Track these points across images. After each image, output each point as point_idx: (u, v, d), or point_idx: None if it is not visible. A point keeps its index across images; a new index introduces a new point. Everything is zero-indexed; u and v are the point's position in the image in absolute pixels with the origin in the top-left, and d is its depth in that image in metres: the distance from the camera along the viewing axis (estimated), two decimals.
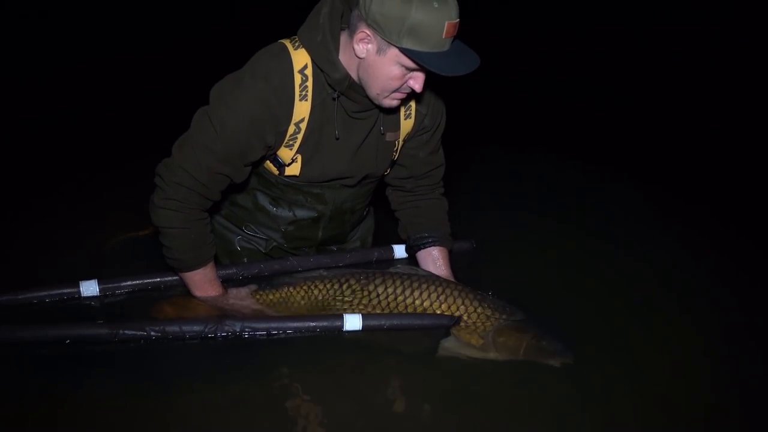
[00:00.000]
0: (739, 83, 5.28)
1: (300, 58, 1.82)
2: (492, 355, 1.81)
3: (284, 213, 2.09)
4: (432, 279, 2.00)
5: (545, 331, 1.86)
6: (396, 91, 1.78)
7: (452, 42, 1.70)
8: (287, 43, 1.85)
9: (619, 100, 5.00)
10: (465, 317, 1.89)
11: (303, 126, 1.87)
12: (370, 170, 2.04)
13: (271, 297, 2.01)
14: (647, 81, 5.60)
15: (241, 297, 2.01)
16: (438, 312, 1.92)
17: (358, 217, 2.25)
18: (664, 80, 5.53)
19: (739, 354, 1.93)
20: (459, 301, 1.92)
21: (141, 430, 1.59)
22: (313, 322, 1.87)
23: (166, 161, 1.86)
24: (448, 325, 1.88)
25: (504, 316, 1.89)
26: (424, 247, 2.16)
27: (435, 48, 1.65)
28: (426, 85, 1.85)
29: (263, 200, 2.08)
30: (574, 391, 1.72)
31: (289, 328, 1.87)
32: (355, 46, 1.74)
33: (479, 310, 1.90)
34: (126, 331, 1.83)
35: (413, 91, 1.79)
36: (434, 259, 2.15)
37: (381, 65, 1.73)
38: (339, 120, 1.89)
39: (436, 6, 1.61)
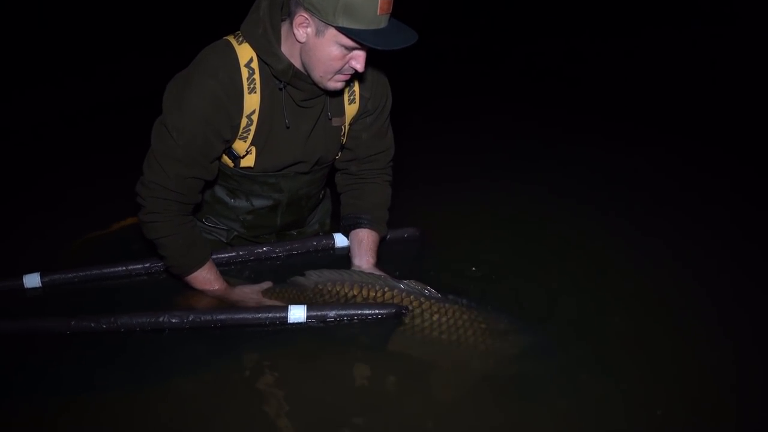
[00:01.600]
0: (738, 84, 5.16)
1: (244, 52, 1.85)
2: (445, 344, 1.83)
3: (242, 203, 2.12)
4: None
5: (499, 315, 1.90)
6: (339, 72, 1.81)
7: (388, 19, 1.73)
8: (231, 38, 1.88)
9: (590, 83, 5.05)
10: (415, 305, 1.90)
11: (255, 118, 1.89)
12: (321, 156, 2.07)
13: (286, 296, 2.00)
14: (615, 65, 5.62)
15: (245, 294, 2.02)
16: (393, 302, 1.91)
17: (314, 201, 2.28)
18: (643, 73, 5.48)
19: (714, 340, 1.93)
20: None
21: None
22: (256, 313, 1.88)
23: (140, 179, 1.92)
24: (396, 314, 1.89)
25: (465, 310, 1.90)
26: (354, 228, 2.16)
27: (371, 25, 1.69)
28: (369, 69, 1.90)
29: (220, 192, 2.11)
30: (533, 372, 1.76)
31: (233, 321, 1.87)
32: (295, 31, 1.77)
33: (428, 301, 1.91)
34: (78, 323, 1.84)
35: (356, 72, 1.82)
36: (359, 241, 2.13)
37: (321, 47, 1.76)
38: (288, 109, 1.92)
39: None
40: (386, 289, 1.93)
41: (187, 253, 1.97)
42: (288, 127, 1.94)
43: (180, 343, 1.85)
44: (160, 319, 1.86)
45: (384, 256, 2.16)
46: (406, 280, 1.95)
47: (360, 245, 2.12)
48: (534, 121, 3.99)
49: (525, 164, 3.28)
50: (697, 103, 4.45)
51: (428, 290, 1.94)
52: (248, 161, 1.98)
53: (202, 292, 2.02)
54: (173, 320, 1.86)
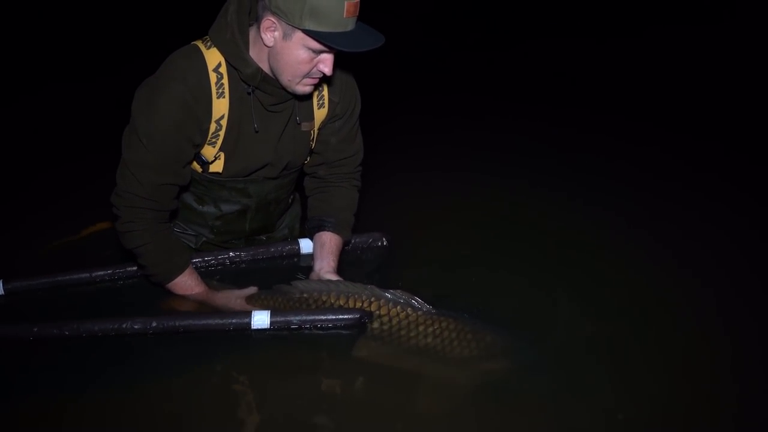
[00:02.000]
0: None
1: (213, 57, 1.85)
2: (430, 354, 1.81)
3: (210, 209, 2.12)
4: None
5: (485, 326, 1.88)
6: (307, 76, 1.83)
7: (355, 22, 1.74)
8: (199, 43, 1.88)
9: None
10: (382, 312, 1.89)
11: (224, 123, 1.90)
12: (290, 160, 2.07)
13: (271, 303, 1.98)
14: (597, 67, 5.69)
15: (229, 299, 2.02)
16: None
17: (284, 206, 2.29)
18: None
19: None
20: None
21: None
22: (219, 319, 1.88)
23: (114, 190, 1.92)
24: (360, 321, 1.89)
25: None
26: (317, 231, 2.14)
27: (337, 28, 1.71)
28: (338, 74, 1.92)
29: (188, 198, 2.10)
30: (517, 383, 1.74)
31: (196, 326, 1.87)
32: (263, 36, 1.78)
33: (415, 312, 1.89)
34: (41, 330, 1.84)
35: (324, 76, 1.83)
36: (322, 244, 2.12)
37: (288, 50, 1.77)
38: (256, 114, 1.93)
39: None
40: (372, 299, 1.92)
41: (166, 260, 1.97)
42: (257, 132, 1.95)
43: (145, 349, 1.84)
44: (124, 326, 1.85)
45: (349, 262, 2.15)
46: (393, 290, 1.93)
47: (322, 248, 2.11)
48: (514, 121, 4.05)
49: (493, 165, 3.30)
50: (694, 100, 4.52)
51: (416, 300, 1.92)
52: (217, 166, 1.98)
53: (182, 297, 2.01)
54: (136, 326, 1.85)
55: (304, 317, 1.89)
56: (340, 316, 1.89)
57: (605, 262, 2.37)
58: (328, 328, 1.89)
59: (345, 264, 2.12)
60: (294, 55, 1.78)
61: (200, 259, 2.17)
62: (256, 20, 1.82)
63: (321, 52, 1.78)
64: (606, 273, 2.30)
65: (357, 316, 1.89)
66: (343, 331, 1.89)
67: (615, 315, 2.05)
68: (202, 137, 1.90)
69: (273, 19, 1.75)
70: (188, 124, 1.85)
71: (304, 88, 1.87)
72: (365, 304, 1.90)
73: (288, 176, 2.16)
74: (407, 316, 1.88)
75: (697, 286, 2.23)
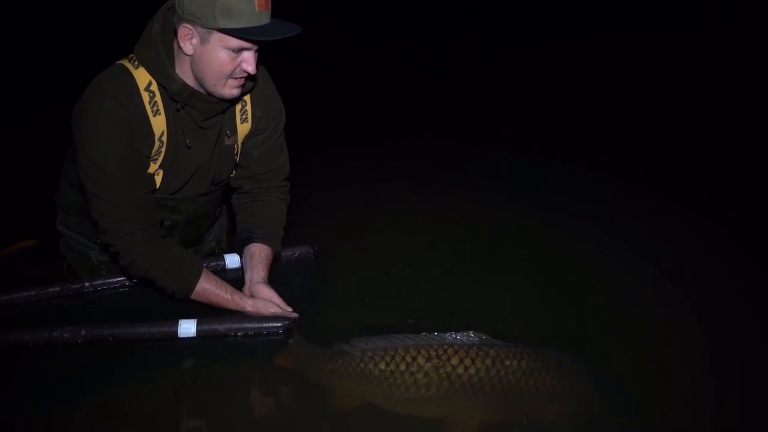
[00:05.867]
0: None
1: (142, 76, 1.87)
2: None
3: None
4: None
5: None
6: (231, 77, 1.85)
7: (269, 16, 1.78)
8: (125, 62, 1.90)
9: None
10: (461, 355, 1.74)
11: (164, 139, 1.92)
12: (217, 176, 2.11)
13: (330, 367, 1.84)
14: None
15: (257, 306, 2.01)
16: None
17: (212, 219, 2.32)
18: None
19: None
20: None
21: None
22: (147, 328, 1.92)
23: (99, 230, 1.93)
24: (286, 328, 1.94)
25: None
26: (246, 243, 2.14)
27: (252, 22, 1.75)
28: (262, 88, 1.99)
29: None
30: None
31: (124, 335, 1.91)
32: (182, 45, 1.81)
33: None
34: None
35: (249, 75, 1.86)
36: (251, 255, 2.11)
37: (208, 54, 1.80)
38: (188, 130, 1.96)
39: None
40: (445, 347, 1.76)
41: (178, 272, 1.96)
42: (189, 148, 1.97)
43: (70, 359, 1.87)
44: (54, 334, 1.89)
45: (276, 275, 2.17)
46: (462, 332, 1.82)
47: (252, 259, 2.11)
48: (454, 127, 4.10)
49: (425, 174, 3.35)
50: (682, 106, 4.59)
51: (485, 337, 1.82)
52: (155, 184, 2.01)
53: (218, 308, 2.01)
54: (66, 335, 1.89)
55: (231, 325, 1.94)
56: (268, 324, 1.95)
57: (547, 260, 2.49)
58: (257, 336, 1.94)
59: (272, 277, 2.14)
60: (214, 57, 1.80)
61: (122, 278, 2.17)
62: (174, 33, 1.83)
63: (241, 50, 1.80)
64: (542, 269, 2.41)
65: (284, 323, 1.95)
66: (276, 338, 1.94)
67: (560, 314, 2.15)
68: (148, 151, 1.91)
69: (188, 26, 1.77)
70: (133, 137, 1.85)
71: (231, 90, 1.88)
72: (437, 353, 1.75)
73: (216, 191, 2.19)
74: (485, 356, 1.75)
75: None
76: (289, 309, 2.00)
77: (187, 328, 1.92)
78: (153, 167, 1.96)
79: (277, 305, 2.00)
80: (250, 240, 2.15)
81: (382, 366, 1.75)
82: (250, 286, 2.06)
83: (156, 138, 1.90)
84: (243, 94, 1.98)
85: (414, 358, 1.75)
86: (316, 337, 1.93)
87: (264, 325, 1.96)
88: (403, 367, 1.74)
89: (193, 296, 1.99)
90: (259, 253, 2.13)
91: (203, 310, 2.02)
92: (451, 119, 4.30)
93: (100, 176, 1.86)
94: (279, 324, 1.96)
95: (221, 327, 1.94)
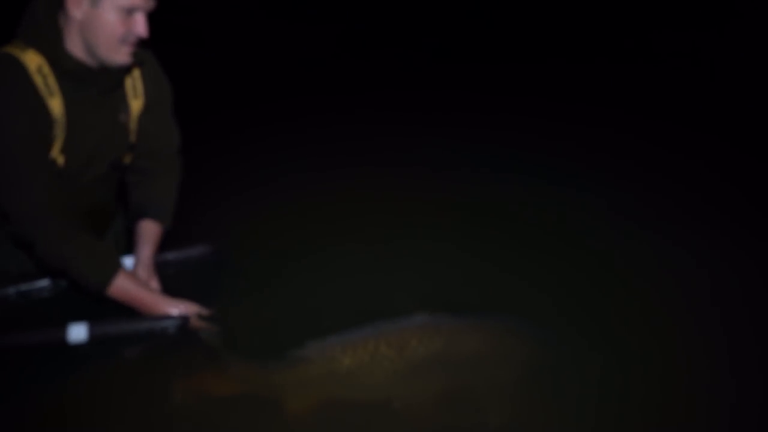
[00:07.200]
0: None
1: (31, 59, 1.85)
2: None
3: None
4: None
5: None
6: (123, 42, 1.86)
7: None
8: (11, 50, 1.87)
9: None
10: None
11: (63, 121, 1.90)
12: (115, 156, 2.09)
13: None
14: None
15: (179, 307, 1.94)
16: None
17: (111, 210, 2.29)
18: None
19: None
20: None
21: None
22: (32, 334, 1.84)
23: (11, 221, 1.88)
24: (182, 324, 1.90)
25: None
26: (137, 220, 2.15)
27: None
28: (150, 66, 2.03)
29: None
30: None
31: (7, 342, 1.82)
32: (71, 12, 1.81)
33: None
34: None
35: (140, 41, 1.87)
36: (139, 232, 2.13)
37: (99, 17, 1.81)
38: (85, 108, 1.94)
39: None
40: (402, 330, 1.80)
41: (94, 265, 1.90)
42: (88, 128, 1.96)
43: None
44: None
45: (173, 275, 2.13)
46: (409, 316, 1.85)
47: (140, 236, 2.12)
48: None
49: (324, 169, 3.30)
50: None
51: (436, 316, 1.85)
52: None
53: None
54: None
55: (123, 327, 1.89)
56: (162, 323, 1.90)
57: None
58: (151, 335, 1.89)
59: (170, 278, 2.10)
60: (105, 19, 1.80)
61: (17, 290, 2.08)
62: (60, 6, 1.82)
63: (131, 10, 1.82)
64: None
65: (179, 319, 1.91)
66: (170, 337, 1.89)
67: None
68: (49, 133, 1.88)
69: None
70: (35, 123, 1.84)
71: (123, 57, 1.88)
72: (397, 338, 1.78)
73: (113, 175, 2.16)
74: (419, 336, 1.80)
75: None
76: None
77: (78, 333, 1.85)
78: (55, 150, 1.93)
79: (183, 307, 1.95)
80: (140, 216, 2.16)
81: (347, 361, 1.74)
82: (136, 269, 2.07)
83: (54, 120, 1.88)
84: (133, 65, 1.99)
85: (376, 347, 1.76)
86: (250, 350, 1.85)
87: (159, 323, 1.91)
88: (367, 358, 1.74)
89: (111, 292, 1.92)
90: (147, 229, 2.14)
91: (95, 313, 1.93)
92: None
93: (6, 166, 1.83)
94: (175, 320, 1.91)
95: (113, 329, 1.88)
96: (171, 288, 2.05)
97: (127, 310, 1.94)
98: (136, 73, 2.07)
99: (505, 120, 4.12)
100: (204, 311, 1.95)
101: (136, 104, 2.09)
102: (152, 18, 1.90)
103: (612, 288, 2.26)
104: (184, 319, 1.92)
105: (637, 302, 2.18)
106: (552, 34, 6.77)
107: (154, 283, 2.06)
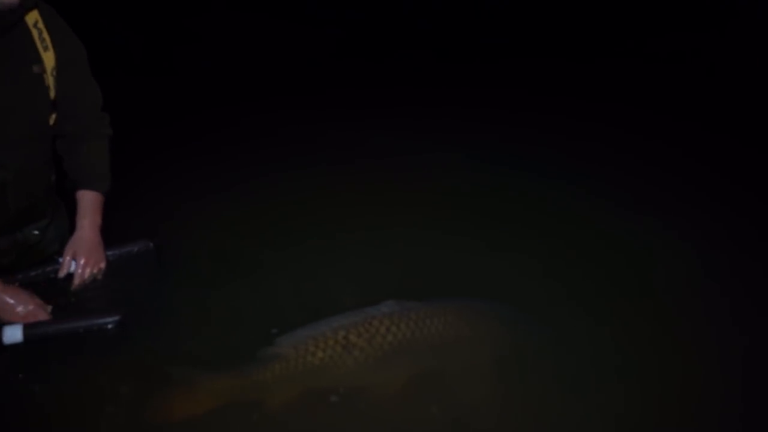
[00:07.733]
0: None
1: None
2: None
3: None
4: None
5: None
6: None
7: None
8: None
9: None
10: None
11: None
12: (35, 114, 1.99)
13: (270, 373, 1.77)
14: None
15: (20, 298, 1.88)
16: None
17: (46, 183, 2.16)
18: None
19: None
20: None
21: None
22: None
23: None
24: (121, 322, 1.84)
25: None
26: (76, 190, 2.12)
27: None
28: (58, 22, 1.98)
29: None
30: None
31: None
32: None
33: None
34: None
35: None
36: (80, 201, 2.11)
37: None
38: None
39: None
40: (370, 318, 1.79)
41: None
42: None
43: None
44: None
45: (115, 270, 2.08)
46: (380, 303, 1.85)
47: (81, 206, 2.11)
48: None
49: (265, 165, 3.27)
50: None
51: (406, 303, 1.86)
52: None
53: None
54: None
55: (61, 326, 1.83)
56: (100, 320, 1.85)
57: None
58: (89, 334, 1.83)
59: (111, 274, 2.06)
60: None
61: None
62: None
63: None
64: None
65: (117, 318, 1.86)
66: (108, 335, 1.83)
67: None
68: None
69: None
70: None
71: None
72: (365, 327, 1.78)
73: (43, 141, 2.07)
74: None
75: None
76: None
77: (13, 334, 1.79)
78: None
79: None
80: (78, 186, 2.14)
81: (320, 354, 1.74)
82: (81, 235, 2.06)
83: None
84: (27, 10, 1.90)
85: (346, 338, 1.76)
86: (224, 359, 1.79)
87: (98, 321, 1.85)
88: (339, 349, 1.75)
89: None
90: (87, 198, 2.13)
91: None
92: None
93: None
94: (113, 318, 1.86)
95: (50, 329, 1.83)
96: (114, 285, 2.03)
97: (65, 310, 1.89)
98: (41, 25, 1.98)
99: (503, 115, 4.16)
100: (45, 313, 1.86)
101: (48, 57, 2.00)
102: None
103: (601, 276, 2.28)
104: (124, 317, 1.86)
105: (627, 290, 2.20)
106: (552, 34, 6.82)
107: (99, 255, 2.03)
